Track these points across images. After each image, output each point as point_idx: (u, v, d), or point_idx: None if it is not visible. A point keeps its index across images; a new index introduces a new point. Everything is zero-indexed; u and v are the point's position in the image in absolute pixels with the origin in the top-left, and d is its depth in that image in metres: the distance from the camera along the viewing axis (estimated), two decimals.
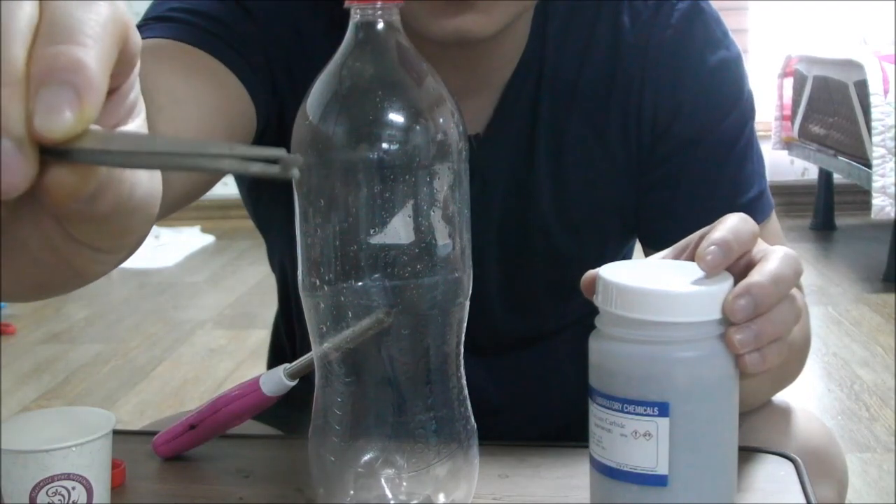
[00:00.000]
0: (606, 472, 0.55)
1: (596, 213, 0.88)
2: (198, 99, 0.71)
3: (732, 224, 0.57)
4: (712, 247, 0.54)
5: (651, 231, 0.88)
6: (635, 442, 0.53)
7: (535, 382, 0.97)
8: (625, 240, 0.94)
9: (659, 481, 0.53)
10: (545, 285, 0.91)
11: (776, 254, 0.56)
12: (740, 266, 0.57)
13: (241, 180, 0.96)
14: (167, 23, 0.76)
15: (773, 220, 0.87)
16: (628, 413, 0.53)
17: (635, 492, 0.54)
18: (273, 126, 0.81)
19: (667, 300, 0.53)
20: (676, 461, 0.53)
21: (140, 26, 0.77)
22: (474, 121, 0.84)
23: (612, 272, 0.55)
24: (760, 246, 0.58)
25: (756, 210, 0.84)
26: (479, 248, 0.71)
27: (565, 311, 0.95)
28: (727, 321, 0.54)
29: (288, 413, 0.79)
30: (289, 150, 0.62)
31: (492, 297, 0.90)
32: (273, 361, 1.09)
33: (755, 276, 0.54)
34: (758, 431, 0.82)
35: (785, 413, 0.87)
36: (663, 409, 0.53)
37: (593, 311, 0.57)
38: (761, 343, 0.54)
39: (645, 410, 0.53)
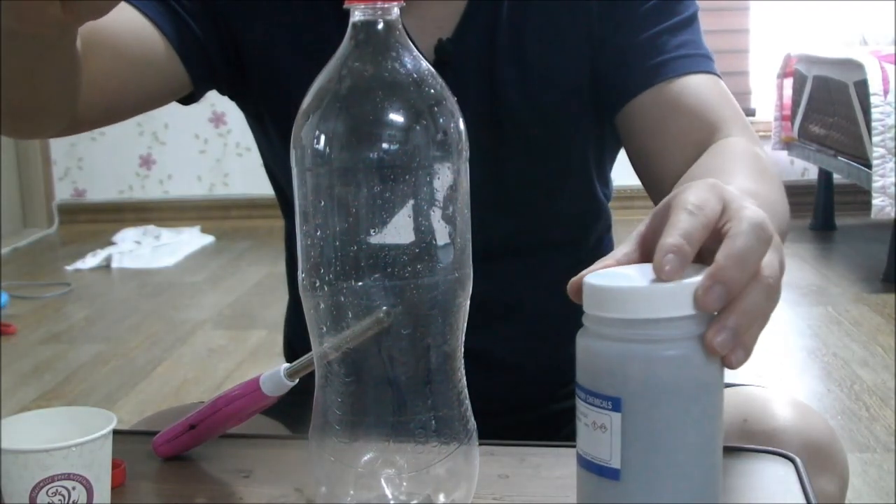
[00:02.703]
0: (578, 460, 0.57)
1: (559, 94, 0.96)
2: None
3: (691, 209, 0.55)
4: (669, 255, 0.53)
5: (609, 86, 0.95)
6: (594, 433, 0.55)
7: (532, 293, 1.01)
8: (592, 130, 1.00)
9: (612, 474, 0.54)
10: (525, 179, 0.99)
11: (741, 225, 0.54)
12: (714, 238, 0.56)
13: (252, 125, 1.06)
14: None
15: (717, 82, 0.95)
16: (589, 403, 0.55)
17: (595, 482, 0.55)
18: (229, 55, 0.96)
19: (618, 297, 0.53)
20: (629, 457, 0.54)
21: None
22: (444, 26, 0.94)
23: (596, 276, 0.56)
24: (732, 206, 0.56)
25: (696, 61, 0.94)
26: None
27: (551, 211, 1.02)
28: (694, 320, 0.54)
29: (291, 403, 0.79)
30: (288, 151, 0.62)
31: (477, 195, 0.94)
32: (289, 353, 1.13)
33: (720, 259, 0.53)
34: (760, 425, 0.82)
35: (787, 407, 0.87)
36: (616, 404, 0.53)
37: (585, 225, 0.57)
38: (742, 338, 0.53)
39: (600, 403, 0.54)
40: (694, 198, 0.56)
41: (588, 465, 0.55)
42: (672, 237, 0.53)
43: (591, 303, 0.55)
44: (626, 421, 0.53)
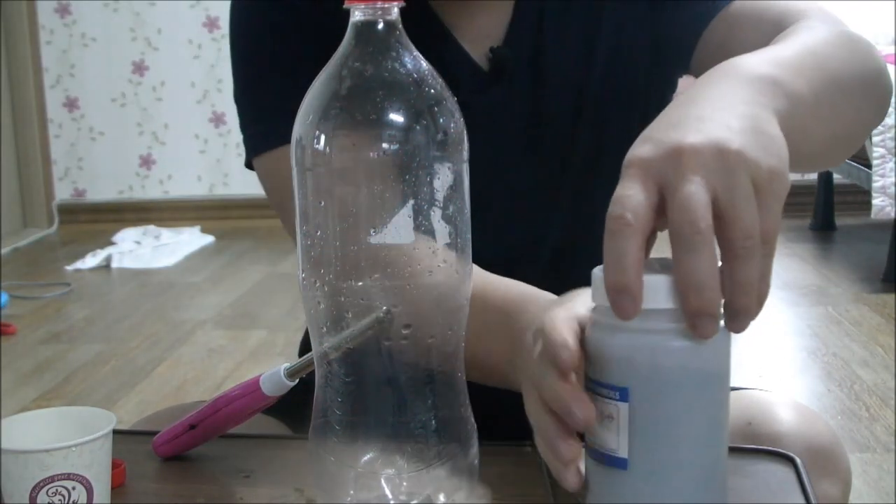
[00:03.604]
0: (586, 451, 0.57)
1: (611, 88, 0.94)
2: None
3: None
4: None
5: (675, 38, 0.92)
6: (602, 423, 0.55)
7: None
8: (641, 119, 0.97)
9: (620, 464, 0.55)
10: (579, 180, 0.97)
11: (678, 234, 0.52)
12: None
13: None
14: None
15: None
16: (597, 394, 0.55)
17: (603, 472, 0.56)
18: None
19: None
20: (635, 447, 0.54)
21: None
22: (493, 33, 0.93)
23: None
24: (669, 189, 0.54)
25: None
26: (506, 150, 0.90)
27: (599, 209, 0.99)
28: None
29: (291, 402, 0.79)
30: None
31: (528, 198, 0.96)
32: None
33: (680, 290, 0.52)
34: (764, 429, 0.82)
35: (790, 411, 0.87)
36: (623, 394, 0.54)
37: None
38: (748, 310, 0.53)
39: (608, 393, 0.55)
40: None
41: (596, 456, 0.56)
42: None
43: (599, 294, 0.55)
44: (634, 411, 0.54)
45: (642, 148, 0.55)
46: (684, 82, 0.97)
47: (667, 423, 0.54)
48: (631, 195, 0.54)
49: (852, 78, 0.77)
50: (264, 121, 0.92)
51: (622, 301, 0.52)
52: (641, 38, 0.93)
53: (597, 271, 0.56)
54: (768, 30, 0.83)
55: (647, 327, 0.53)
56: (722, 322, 0.55)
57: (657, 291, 0.53)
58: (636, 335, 0.54)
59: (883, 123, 3.21)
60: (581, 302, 0.60)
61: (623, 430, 0.54)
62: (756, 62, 0.65)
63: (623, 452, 0.54)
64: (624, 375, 0.54)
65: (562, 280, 1.00)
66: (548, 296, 0.73)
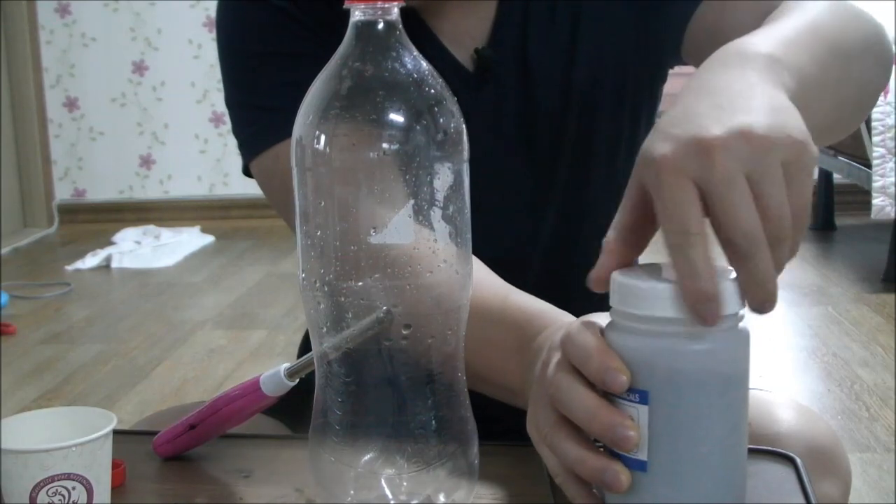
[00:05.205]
0: (606, 452, 0.57)
1: (596, 83, 0.94)
2: None
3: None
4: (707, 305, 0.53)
5: (663, 27, 0.92)
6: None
7: (551, 292, 0.95)
8: (630, 111, 0.98)
9: (640, 466, 0.55)
10: (569, 175, 0.97)
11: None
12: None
13: None
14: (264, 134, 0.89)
15: None
16: (617, 396, 0.55)
17: None
18: None
19: (647, 295, 0.54)
20: (655, 449, 0.54)
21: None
22: (477, 35, 0.94)
23: (624, 272, 0.56)
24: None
25: None
26: (496, 149, 0.91)
27: (594, 204, 0.99)
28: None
29: (291, 402, 0.79)
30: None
31: (523, 197, 0.97)
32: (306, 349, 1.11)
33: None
34: (764, 429, 0.82)
35: (790, 411, 0.87)
36: (643, 397, 0.54)
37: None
38: (768, 293, 0.53)
39: (628, 396, 0.55)
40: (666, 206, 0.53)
41: (616, 457, 0.56)
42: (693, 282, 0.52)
43: (620, 299, 0.55)
44: (654, 413, 0.54)
45: (664, 146, 0.53)
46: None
47: (686, 426, 0.54)
48: (682, 204, 0.52)
49: (853, 43, 0.77)
50: (256, 122, 0.92)
51: (706, 309, 0.52)
52: (626, 31, 0.93)
53: (616, 275, 0.56)
54: (761, 7, 0.81)
55: (668, 331, 0.54)
56: (741, 324, 0.55)
57: (673, 298, 0.53)
58: (656, 339, 0.54)
59: (883, 123, 3.22)
60: (601, 318, 0.60)
61: (643, 433, 0.54)
62: (756, 43, 0.64)
63: (643, 455, 0.55)
64: (644, 379, 0.54)
65: (557, 275, 1.00)
66: (567, 316, 0.72)
